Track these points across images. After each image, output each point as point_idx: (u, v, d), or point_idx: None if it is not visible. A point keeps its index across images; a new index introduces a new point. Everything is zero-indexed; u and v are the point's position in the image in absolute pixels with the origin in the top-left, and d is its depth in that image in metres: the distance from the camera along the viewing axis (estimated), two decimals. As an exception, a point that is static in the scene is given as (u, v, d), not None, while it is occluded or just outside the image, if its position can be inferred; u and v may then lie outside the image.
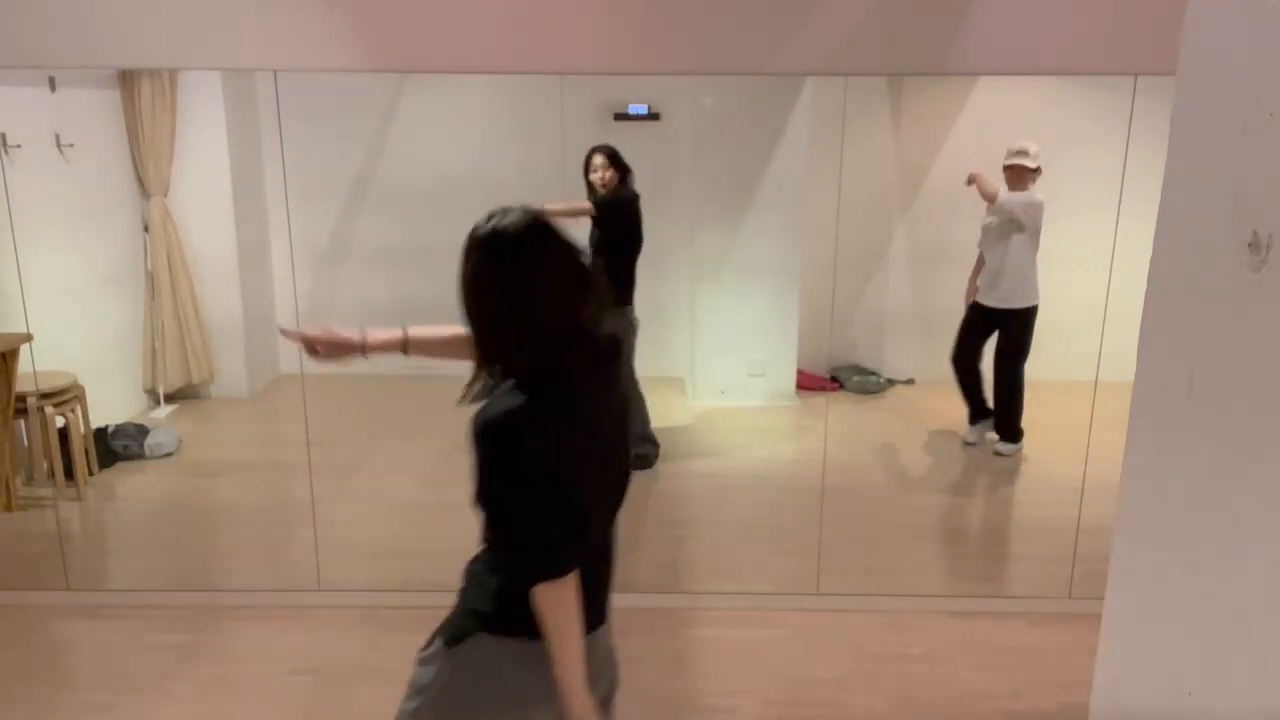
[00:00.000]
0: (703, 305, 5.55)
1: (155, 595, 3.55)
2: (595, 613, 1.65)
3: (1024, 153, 4.50)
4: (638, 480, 4.62)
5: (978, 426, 4.82)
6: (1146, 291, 1.14)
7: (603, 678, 1.73)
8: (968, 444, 4.86)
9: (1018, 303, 4.58)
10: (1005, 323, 4.62)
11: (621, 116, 5.52)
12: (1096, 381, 3.49)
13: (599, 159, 4.30)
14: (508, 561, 1.60)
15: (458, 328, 1.63)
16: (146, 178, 5.19)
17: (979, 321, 4.69)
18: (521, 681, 1.59)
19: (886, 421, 4.95)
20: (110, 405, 4.82)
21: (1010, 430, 4.71)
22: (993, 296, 4.63)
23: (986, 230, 4.64)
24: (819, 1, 3.08)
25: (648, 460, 4.68)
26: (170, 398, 5.38)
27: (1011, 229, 4.53)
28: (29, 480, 4.27)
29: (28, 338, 3.74)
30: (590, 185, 4.34)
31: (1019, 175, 4.51)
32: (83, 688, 3.06)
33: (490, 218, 1.52)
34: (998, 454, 4.74)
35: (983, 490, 4.75)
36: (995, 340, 4.67)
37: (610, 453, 1.66)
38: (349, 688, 3.05)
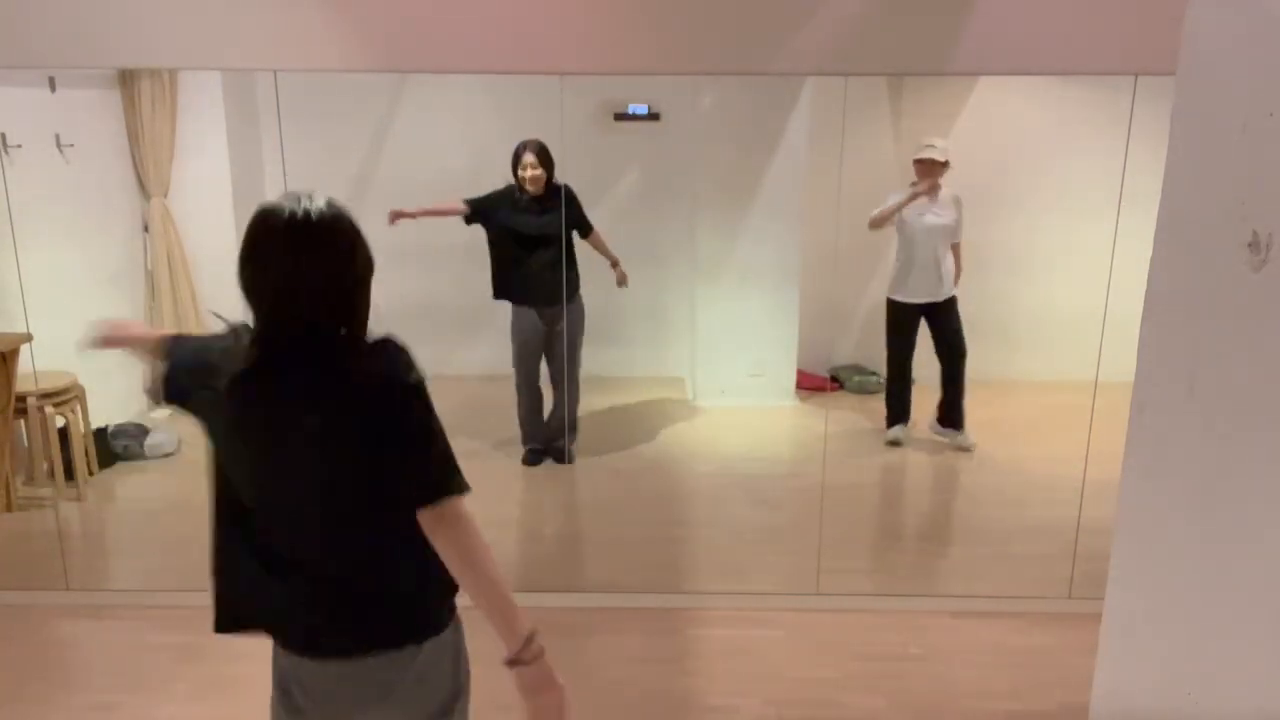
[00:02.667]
0: (703, 305, 5.55)
1: (155, 595, 3.55)
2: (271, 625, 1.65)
3: (934, 146, 4.55)
4: (642, 478, 4.66)
5: (903, 426, 4.90)
6: (1146, 291, 1.14)
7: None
8: (893, 442, 4.90)
9: (952, 291, 4.69)
10: (944, 315, 4.68)
11: (621, 116, 5.52)
12: (1096, 381, 3.49)
13: (530, 157, 4.36)
14: None
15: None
16: (146, 178, 5.18)
17: (913, 322, 4.74)
18: None
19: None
20: (110, 405, 4.81)
21: (962, 417, 4.76)
22: (934, 292, 4.67)
23: (928, 230, 4.63)
24: (819, 1, 3.08)
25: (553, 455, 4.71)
26: (170, 398, 5.38)
27: (950, 225, 4.63)
28: (29, 480, 4.27)
29: (28, 338, 3.74)
30: (520, 179, 4.40)
31: (930, 169, 4.55)
32: (83, 687, 3.06)
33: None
34: (962, 449, 4.76)
35: (983, 490, 4.75)
36: (935, 338, 4.74)
37: (249, 449, 1.59)
38: (349, 688, 3.04)
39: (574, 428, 4.67)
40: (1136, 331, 1.15)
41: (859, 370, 5.67)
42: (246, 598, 1.66)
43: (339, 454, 1.54)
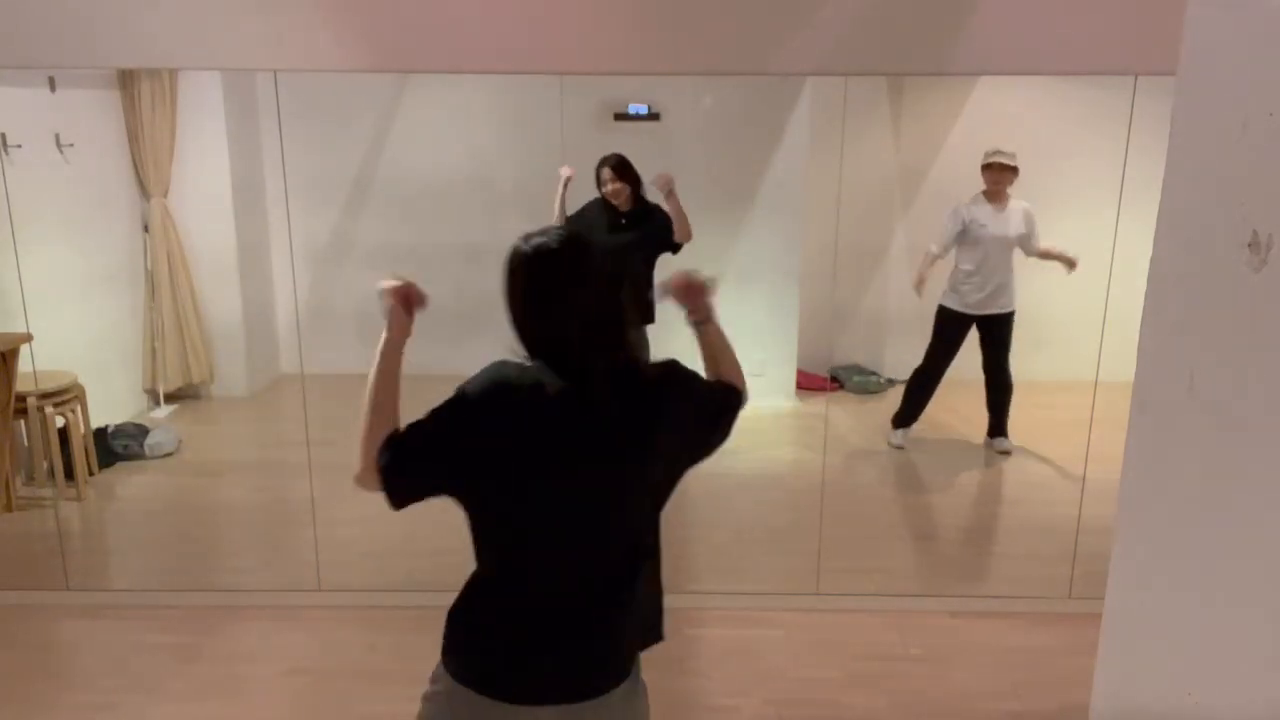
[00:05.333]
0: (703, 305, 5.55)
1: (155, 595, 3.55)
2: (516, 680, 1.62)
3: (1003, 151, 4.50)
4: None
5: (906, 430, 4.88)
6: (1146, 291, 1.14)
7: None
8: (897, 446, 4.88)
9: (1011, 306, 4.64)
10: (1000, 328, 4.64)
11: (621, 116, 5.52)
12: (1096, 381, 3.49)
13: (607, 172, 4.07)
14: None
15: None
16: (146, 178, 5.18)
17: (962, 331, 4.69)
18: None
19: (886, 421, 4.95)
20: (110, 405, 4.82)
21: (1005, 426, 4.73)
22: (990, 305, 4.62)
23: (993, 241, 4.55)
24: (819, 1, 3.08)
25: None
26: (170, 398, 5.38)
27: (1014, 238, 4.55)
28: (29, 480, 4.27)
29: (28, 338, 3.74)
30: (605, 199, 4.14)
31: (1001, 174, 4.49)
32: (83, 687, 3.06)
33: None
34: (1005, 453, 4.75)
35: (983, 490, 4.75)
36: (985, 355, 4.70)
37: (550, 479, 1.62)
38: (348, 688, 3.05)
39: None
40: (1136, 331, 1.15)
41: (859, 370, 5.67)
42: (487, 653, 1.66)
43: (653, 448, 1.71)
